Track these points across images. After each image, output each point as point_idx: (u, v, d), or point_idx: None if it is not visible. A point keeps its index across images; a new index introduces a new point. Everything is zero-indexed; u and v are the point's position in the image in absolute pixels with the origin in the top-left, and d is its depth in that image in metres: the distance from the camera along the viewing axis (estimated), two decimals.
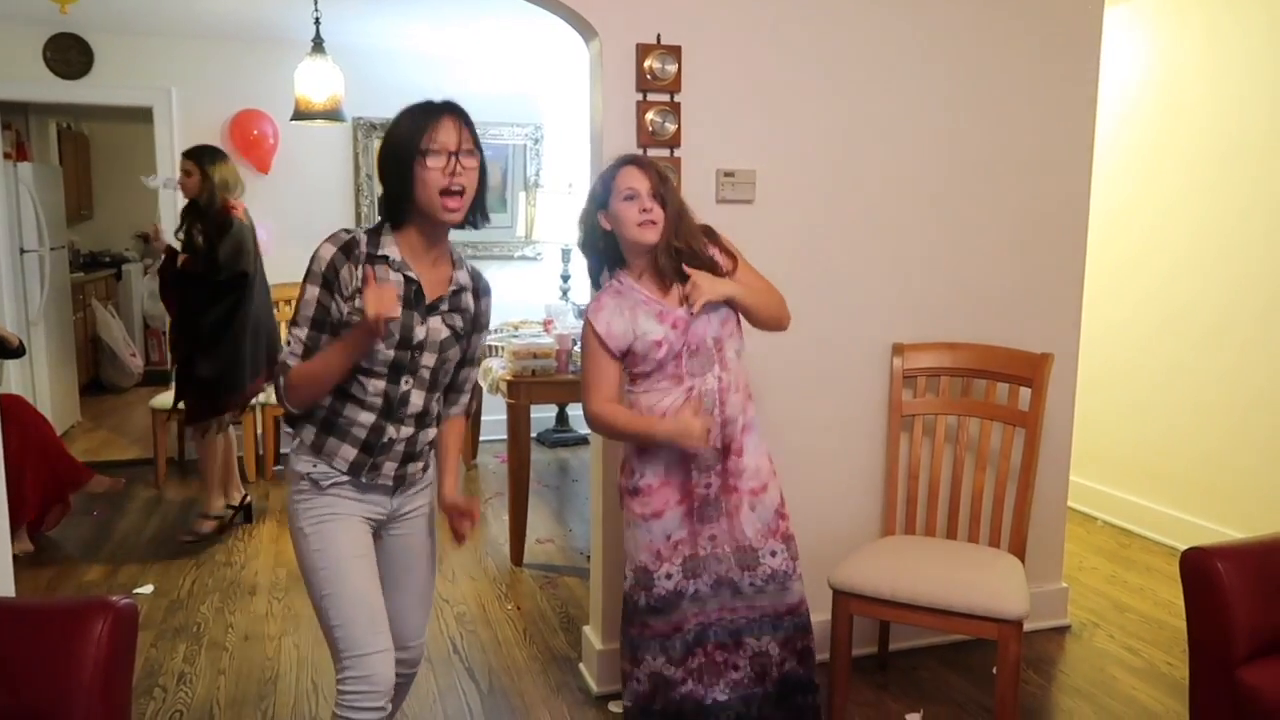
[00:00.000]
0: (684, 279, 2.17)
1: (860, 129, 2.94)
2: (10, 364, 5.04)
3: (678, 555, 2.23)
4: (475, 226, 1.94)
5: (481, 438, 5.78)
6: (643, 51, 2.66)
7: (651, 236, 2.16)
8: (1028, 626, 2.96)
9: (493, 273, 5.84)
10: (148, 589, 3.69)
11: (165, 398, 5.06)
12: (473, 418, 5.54)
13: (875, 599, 2.54)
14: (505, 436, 4.25)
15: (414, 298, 1.89)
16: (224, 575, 3.84)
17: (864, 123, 2.94)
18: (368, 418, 1.89)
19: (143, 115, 5.34)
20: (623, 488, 2.28)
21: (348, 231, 1.89)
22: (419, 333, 1.89)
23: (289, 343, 1.87)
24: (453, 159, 1.81)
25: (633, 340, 2.18)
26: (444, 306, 1.93)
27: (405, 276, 1.87)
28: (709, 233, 2.29)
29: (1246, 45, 3.84)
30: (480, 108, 6.72)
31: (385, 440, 1.91)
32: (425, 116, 1.83)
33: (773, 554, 2.27)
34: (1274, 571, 2.15)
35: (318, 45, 4.33)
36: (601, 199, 2.21)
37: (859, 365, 3.03)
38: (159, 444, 5.07)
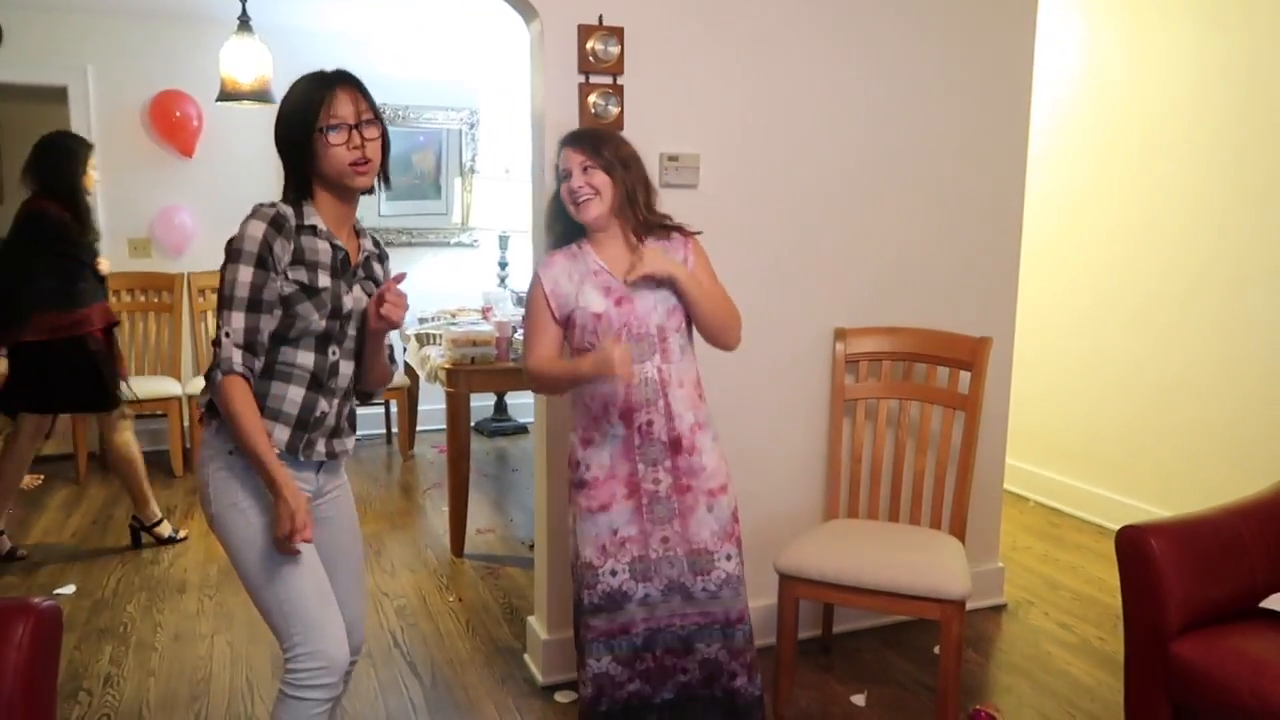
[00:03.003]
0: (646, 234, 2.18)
1: (803, 114, 2.94)
2: None
3: (625, 554, 2.18)
4: (372, 192, 1.91)
5: (419, 427, 5.68)
6: (584, 33, 2.61)
7: (586, 213, 2.14)
8: (967, 606, 3.02)
9: (428, 259, 5.86)
10: (69, 589, 3.53)
11: None
12: (410, 407, 5.44)
13: (821, 582, 2.56)
14: (444, 426, 4.19)
15: (340, 266, 1.86)
16: (151, 573, 3.70)
17: (807, 108, 2.95)
18: (297, 393, 1.83)
19: (57, 96, 5.09)
20: (570, 481, 2.25)
21: (271, 206, 1.80)
22: (347, 302, 1.87)
23: (226, 331, 1.74)
24: (354, 132, 1.80)
25: (574, 308, 2.16)
26: (361, 274, 1.93)
27: (333, 245, 1.85)
28: (679, 228, 2.27)
29: (1169, 35, 3.95)
30: (414, 92, 6.61)
31: (318, 415, 1.86)
32: (320, 90, 1.80)
33: (728, 558, 2.22)
34: (1205, 546, 2.22)
35: (244, 24, 4.18)
36: (559, 178, 2.20)
37: (802, 350, 3.05)
38: (79, 439, 4.87)
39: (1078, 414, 4.46)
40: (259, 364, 1.78)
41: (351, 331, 1.90)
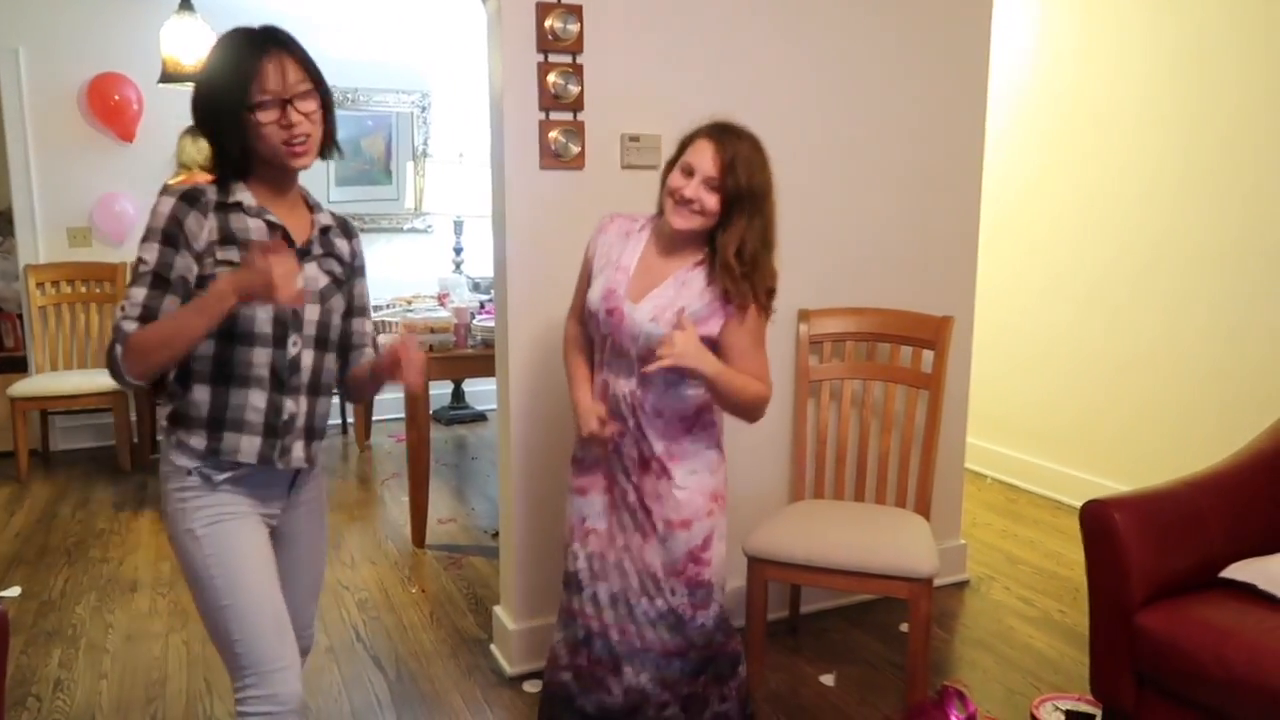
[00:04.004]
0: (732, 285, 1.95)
1: (763, 96, 2.92)
2: None
3: (588, 543, 2.14)
4: (327, 158, 1.74)
5: (375, 417, 5.58)
6: (543, 10, 2.55)
7: (680, 222, 1.94)
8: None
9: (380, 246, 5.75)
10: (14, 591, 3.41)
11: (24, 385, 4.70)
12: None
13: (790, 564, 2.55)
14: (401, 415, 4.11)
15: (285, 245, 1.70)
16: (100, 572, 3.58)
17: (767, 89, 2.92)
18: (259, 397, 1.68)
19: None
20: (572, 455, 2.22)
21: (193, 185, 1.66)
22: (297, 281, 1.69)
23: (123, 306, 1.61)
24: (287, 108, 1.60)
25: (589, 283, 2.10)
26: (316, 250, 1.75)
27: (267, 222, 1.68)
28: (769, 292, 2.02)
29: (1121, 17, 4.00)
30: (363, 74, 6.46)
31: (286, 418, 1.71)
32: (245, 59, 1.60)
33: (672, 592, 2.07)
34: (1166, 520, 2.25)
35: (186, 3, 4.03)
36: (673, 157, 2.00)
37: (768, 332, 3.02)
38: (19, 435, 4.70)
39: (1033, 392, 4.52)
40: None
41: (310, 315, 1.72)
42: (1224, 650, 1.98)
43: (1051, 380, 4.43)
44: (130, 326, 1.58)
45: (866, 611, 3.23)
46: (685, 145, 1.98)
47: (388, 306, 4.69)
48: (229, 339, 1.65)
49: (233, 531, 1.68)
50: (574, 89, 2.60)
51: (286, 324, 1.69)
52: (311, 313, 1.73)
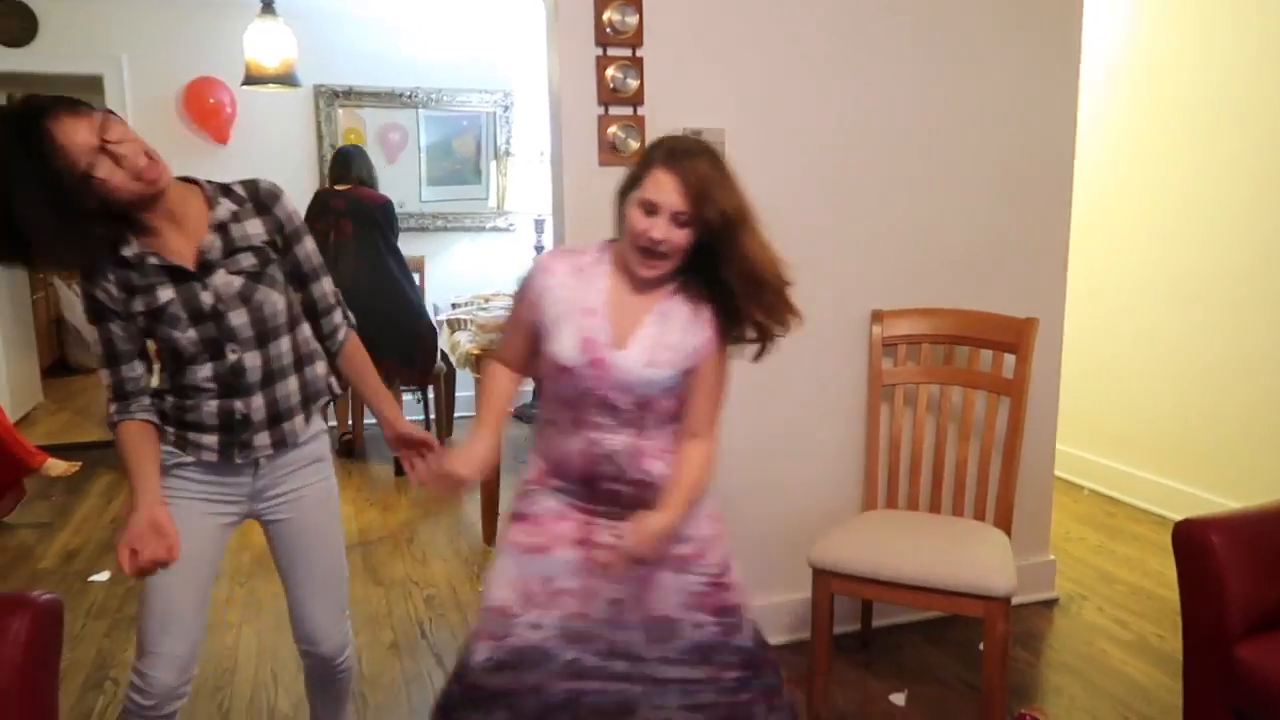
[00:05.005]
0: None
1: (835, 86, 2.79)
2: None
3: (556, 607, 1.78)
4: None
5: (458, 414, 5.64)
6: (601, 3, 2.49)
7: (645, 272, 1.71)
8: (1015, 600, 2.87)
9: (464, 244, 5.80)
10: (104, 576, 3.55)
11: None
12: (448, 392, 5.39)
13: (857, 577, 2.43)
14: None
15: (176, 271, 1.68)
16: None
17: (839, 79, 2.79)
18: (211, 404, 1.75)
19: (93, 85, 5.12)
20: (511, 511, 1.89)
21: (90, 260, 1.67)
22: (206, 298, 1.70)
23: (106, 387, 1.79)
24: (107, 150, 1.52)
25: (546, 337, 1.76)
26: (215, 257, 1.70)
27: (150, 264, 1.66)
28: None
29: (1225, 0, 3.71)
30: (446, 75, 6.51)
31: (239, 418, 1.77)
32: (38, 137, 1.48)
33: (697, 626, 1.81)
34: (1269, 543, 2.05)
35: (267, 6, 4.13)
36: (627, 187, 1.74)
37: (836, 334, 2.90)
38: None
39: (1133, 398, 4.24)
40: (142, 401, 1.76)
41: (239, 320, 1.72)
42: None
43: (1153, 385, 4.14)
44: (113, 409, 1.74)
45: (945, 627, 3.07)
46: (637, 177, 1.71)
47: (465, 304, 4.72)
48: (174, 359, 1.74)
49: None
50: (633, 83, 2.54)
51: (217, 339, 1.72)
52: (238, 318, 1.72)
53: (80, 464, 4.29)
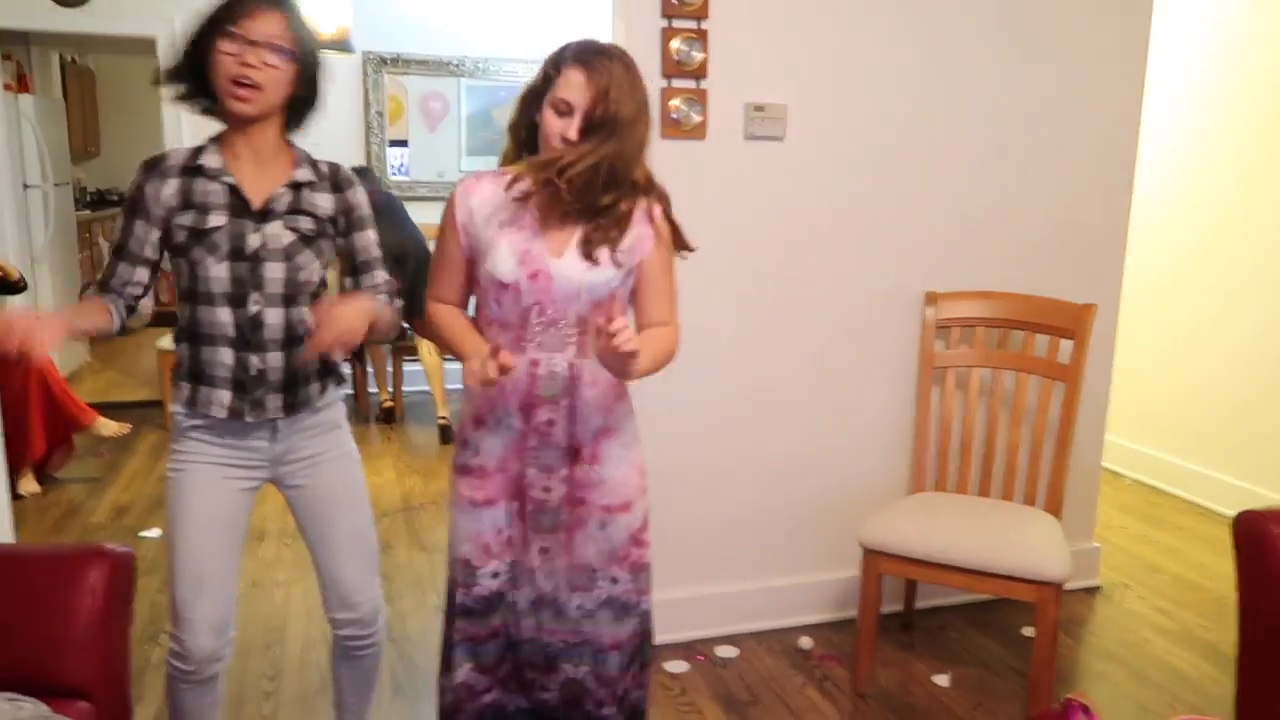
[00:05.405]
0: (587, 218, 1.70)
1: (898, 67, 2.76)
2: (12, 300, 4.94)
3: (508, 553, 1.85)
4: (293, 128, 1.79)
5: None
6: None
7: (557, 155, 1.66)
8: None
9: None
10: (155, 532, 3.62)
11: (169, 339, 4.98)
12: None
13: (908, 558, 2.44)
14: None
15: (242, 205, 1.72)
16: None
17: (902, 60, 2.76)
18: (226, 354, 1.75)
19: (146, 47, 5.16)
20: (454, 464, 1.90)
21: (161, 153, 1.78)
22: (252, 241, 1.72)
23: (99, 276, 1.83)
24: (250, 47, 1.64)
25: (481, 259, 1.74)
26: (279, 208, 1.75)
27: (225, 184, 1.72)
28: (651, 188, 1.77)
29: None
30: (490, 44, 6.47)
31: (254, 374, 1.76)
32: (239, 4, 1.66)
33: (613, 580, 1.86)
34: None
35: None
36: (541, 89, 1.72)
37: (888, 315, 2.89)
38: (167, 385, 4.99)
39: (1180, 387, 4.19)
40: (119, 301, 1.78)
41: (277, 274, 1.74)
42: None
43: (1201, 375, 4.09)
44: (91, 290, 1.78)
45: (987, 611, 3.07)
46: (549, 75, 1.71)
47: None
48: (193, 299, 1.75)
49: (185, 480, 1.79)
50: (698, 55, 2.52)
51: (245, 283, 1.73)
52: (274, 270, 1.74)
53: (130, 426, 4.36)
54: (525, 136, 1.76)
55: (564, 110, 1.65)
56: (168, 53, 4.91)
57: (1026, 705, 2.51)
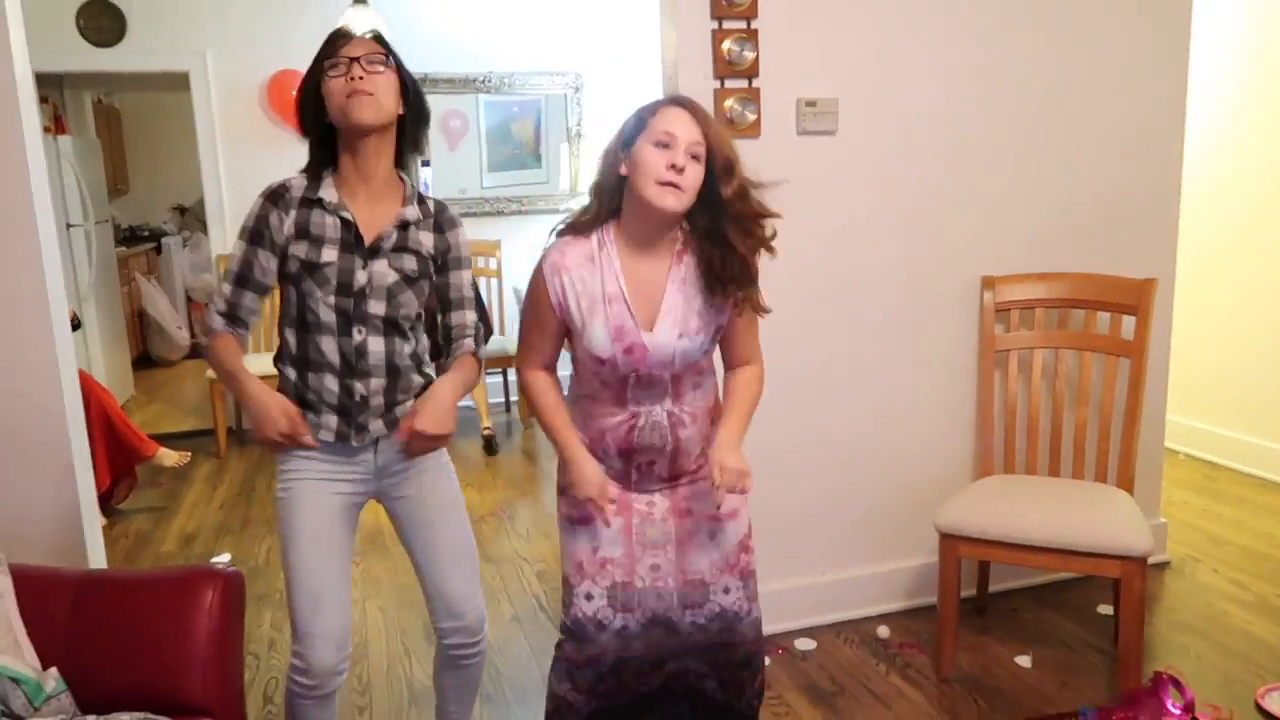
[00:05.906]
0: (717, 272, 1.77)
1: (946, 53, 2.78)
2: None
3: (605, 577, 1.88)
4: (401, 161, 1.83)
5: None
6: None
7: (671, 202, 1.70)
8: None
9: (534, 227, 5.84)
10: (225, 558, 3.67)
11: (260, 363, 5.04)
12: None
13: (985, 540, 2.45)
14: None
15: (354, 241, 1.78)
16: None
17: (950, 46, 2.78)
18: (333, 381, 1.80)
19: (179, 82, 5.24)
20: (557, 483, 1.97)
21: (282, 181, 1.81)
22: (360, 278, 1.78)
23: (215, 299, 1.85)
24: (353, 64, 1.71)
25: (577, 335, 1.82)
26: (387, 247, 1.80)
27: (341, 219, 1.77)
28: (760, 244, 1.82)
29: None
30: (516, 59, 6.52)
31: (359, 399, 1.81)
32: (334, 40, 1.77)
33: (725, 590, 1.91)
34: None
35: None
36: (630, 137, 1.75)
37: (946, 301, 2.91)
38: (218, 414, 5.06)
39: (1233, 361, 4.18)
40: (242, 329, 1.84)
41: (379, 310, 1.79)
42: None
43: (1252, 348, 4.08)
44: (217, 323, 1.82)
45: (1059, 591, 3.07)
46: (641, 119, 1.74)
47: None
48: (303, 328, 1.80)
49: (296, 499, 1.83)
50: (749, 55, 2.55)
51: (350, 316, 1.79)
52: (377, 307, 1.80)
53: (190, 454, 4.42)
54: (609, 196, 1.81)
55: (666, 143, 1.69)
56: (199, 87, 5.04)
57: (1113, 681, 2.51)
